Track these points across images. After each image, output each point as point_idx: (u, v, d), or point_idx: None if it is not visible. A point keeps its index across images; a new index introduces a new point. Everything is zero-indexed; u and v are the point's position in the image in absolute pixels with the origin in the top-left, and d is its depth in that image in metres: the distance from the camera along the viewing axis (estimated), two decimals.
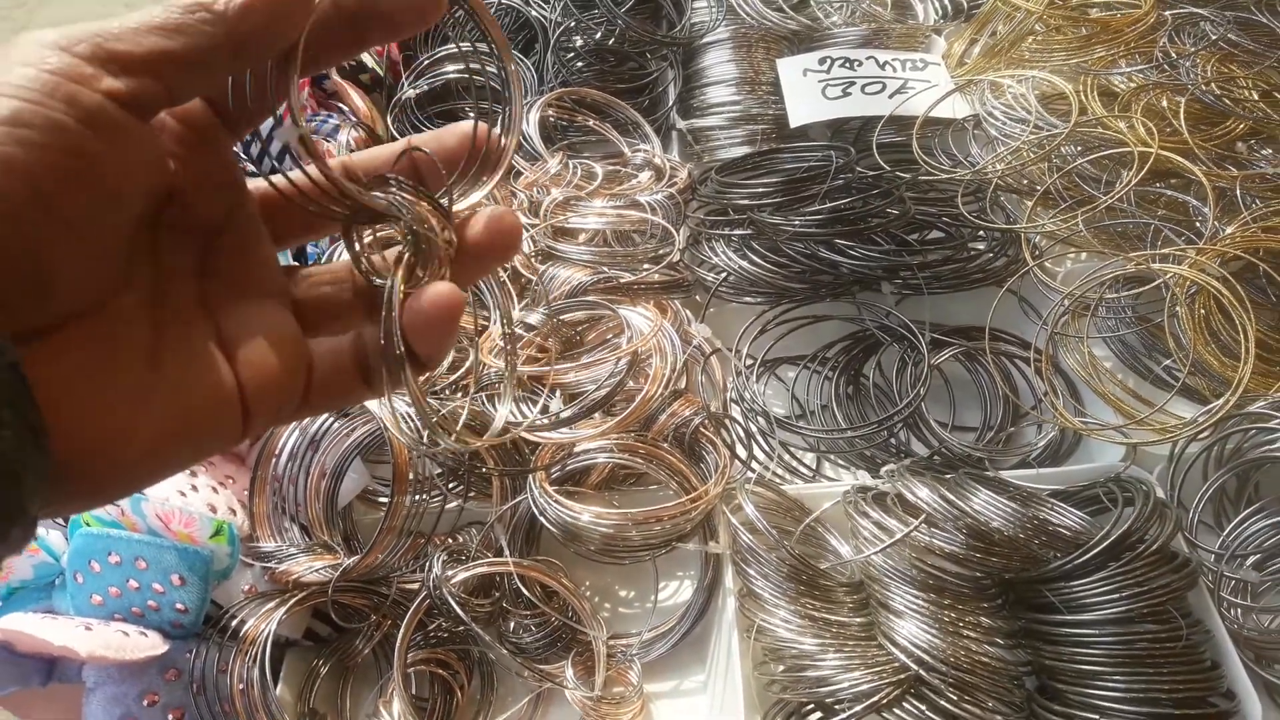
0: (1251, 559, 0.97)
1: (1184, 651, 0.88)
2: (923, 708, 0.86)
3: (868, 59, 1.51)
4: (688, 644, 1.05)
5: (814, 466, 1.16)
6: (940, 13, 1.68)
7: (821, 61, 1.51)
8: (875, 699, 0.86)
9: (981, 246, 1.29)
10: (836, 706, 0.88)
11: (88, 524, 0.95)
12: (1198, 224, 1.17)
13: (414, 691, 1.02)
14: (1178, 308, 1.08)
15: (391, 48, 1.60)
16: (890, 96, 1.46)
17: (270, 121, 0.40)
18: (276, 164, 1.31)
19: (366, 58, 1.53)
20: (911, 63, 1.51)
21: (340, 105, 1.51)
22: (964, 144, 1.40)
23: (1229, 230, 1.12)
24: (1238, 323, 1.03)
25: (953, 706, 0.86)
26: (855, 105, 1.45)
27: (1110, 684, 0.87)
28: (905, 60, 1.52)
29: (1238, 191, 1.16)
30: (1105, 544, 0.92)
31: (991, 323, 1.20)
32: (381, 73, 1.56)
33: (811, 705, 0.90)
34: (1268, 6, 1.39)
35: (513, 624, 1.03)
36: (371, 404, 1.03)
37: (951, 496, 0.96)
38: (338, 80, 1.51)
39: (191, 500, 1.01)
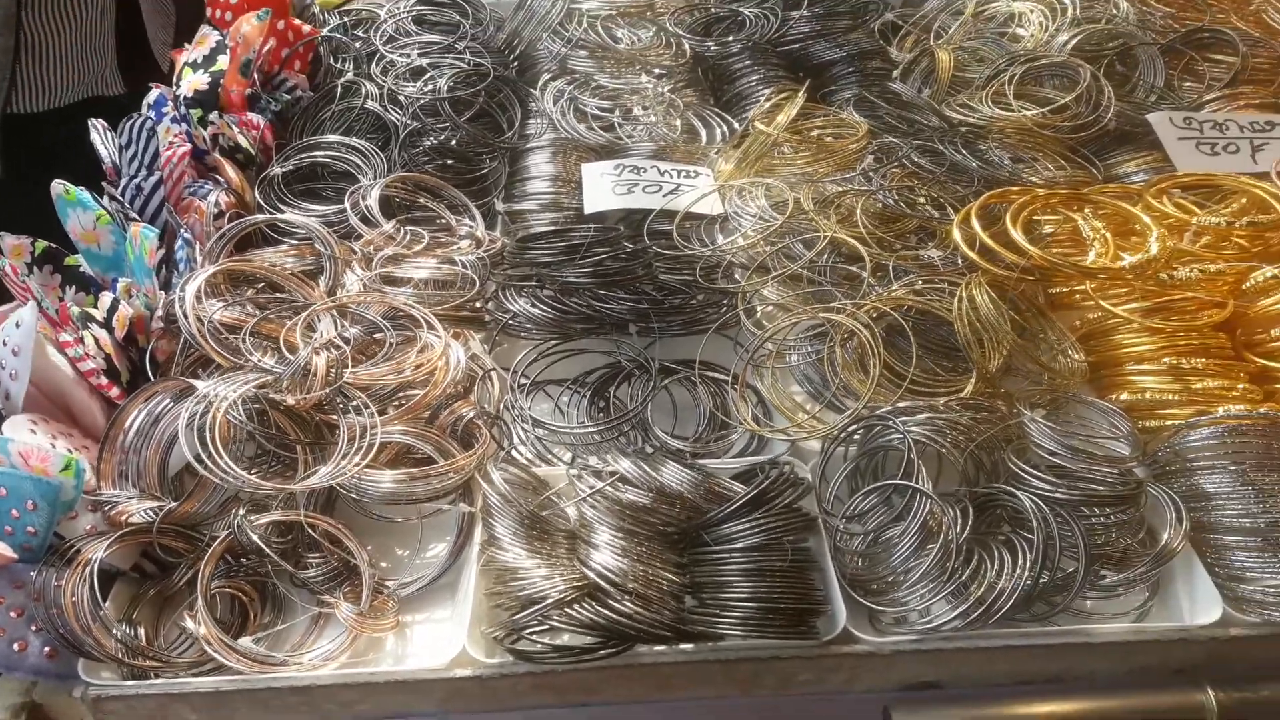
0: (865, 521, 1.30)
1: (792, 569, 1.20)
2: (594, 605, 1.15)
3: (651, 167, 1.90)
4: (442, 587, 1.33)
5: (568, 461, 1.47)
6: (722, 138, 2.09)
7: (615, 167, 1.89)
8: (560, 597, 1.15)
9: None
10: (533, 605, 1.16)
11: None
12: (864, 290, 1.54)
13: (218, 614, 1.27)
14: (835, 347, 1.44)
15: (266, 134, 1.93)
16: (664, 195, 1.83)
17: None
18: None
19: (241, 139, 1.87)
20: (686, 172, 1.90)
21: (217, 176, 1.83)
22: (715, 233, 1.77)
23: (885, 293, 1.50)
24: (869, 355, 1.39)
25: (618, 604, 1.15)
26: (636, 200, 1.82)
27: (739, 590, 1.18)
28: (681, 170, 1.90)
29: (890, 267, 1.54)
30: (748, 497, 1.24)
31: (715, 359, 1.56)
32: (254, 153, 1.89)
33: (518, 606, 1.18)
34: (950, 141, 1.82)
35: (301, 561, 1.29)
36: (201, 386, 1.31)
37: (645, 465, 1.28)
38: (217, 157, 1.84)
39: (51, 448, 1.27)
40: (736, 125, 2.05)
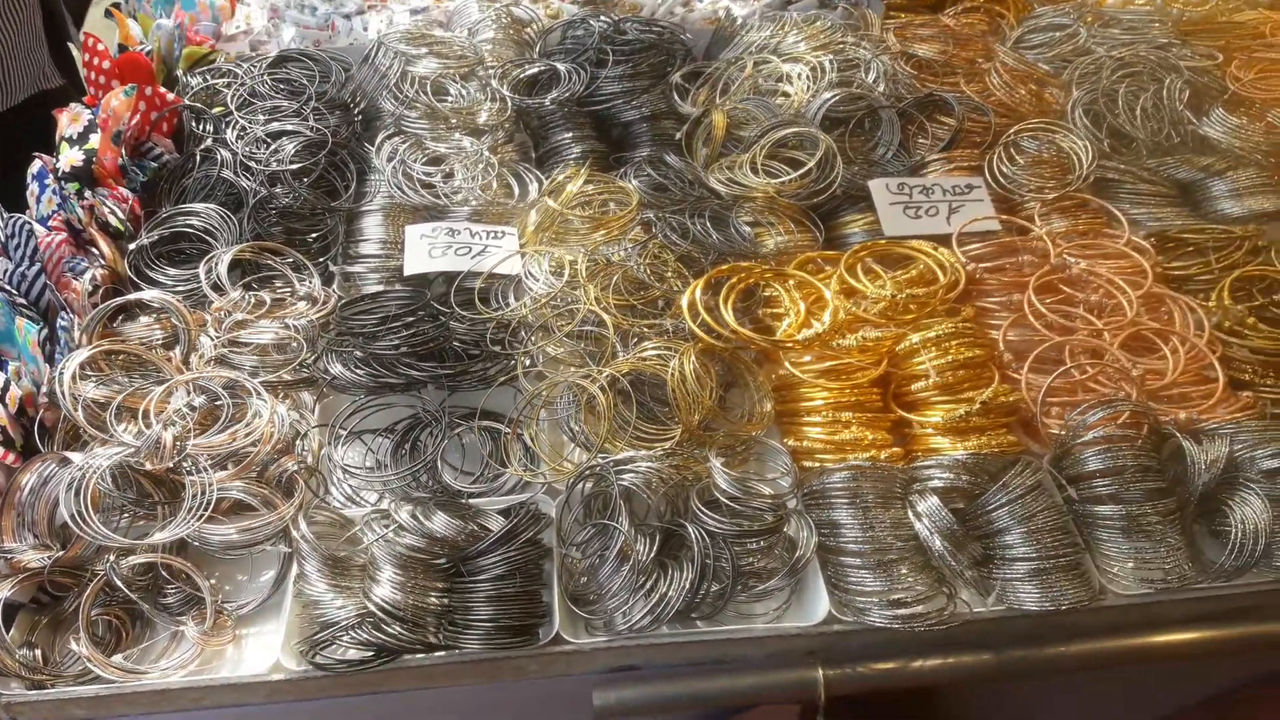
0: (586, 549, 1.75)
1: (523, 593, 1.65)
2: (372, 629, 1.59)
3: (465, 229, 2.27)
4: (270, 606, 1.75)
5: (373, 502, 1.88)
6: (536, 192, 2.45)
7: (434, 229, 2.27)
8: (347, 622, 1.59)
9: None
10: (328, 628, 1.60)
11: None
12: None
13: (99, 634, 1.69)
14: (580, 406, 1.87)
15: (134, 205, 2.28)
16: (473, 257, 2.22)
17: None
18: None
19: (111, 218, 2.21)
20: (494, 233, 2.28)
21: (92, 249, 2.17)
22: (509, 293, 2.16)
23: (624, 359, 1.92)
24: (604, 411, 1.82)
25: (388, 628, 1.59)
26: (448, 262, 2.20)
27: (482, 612, 1.62)
28: (491, 231, 2.28)
29: (632, 332, 1.96)
30: (496, 538, 1.68)
31: (506, 406, 1.98)
32: (124, 227, 2.23)
33: (318, 628, 1.62)
34: (698, 215, 2.23)
35: (161, 590, 1.71)
36: (76, 458, 1.70)
37: (419, 515, 1.71)
38: (92, 232, 2.18)
39: None
40: (545, 182, 2.42)
